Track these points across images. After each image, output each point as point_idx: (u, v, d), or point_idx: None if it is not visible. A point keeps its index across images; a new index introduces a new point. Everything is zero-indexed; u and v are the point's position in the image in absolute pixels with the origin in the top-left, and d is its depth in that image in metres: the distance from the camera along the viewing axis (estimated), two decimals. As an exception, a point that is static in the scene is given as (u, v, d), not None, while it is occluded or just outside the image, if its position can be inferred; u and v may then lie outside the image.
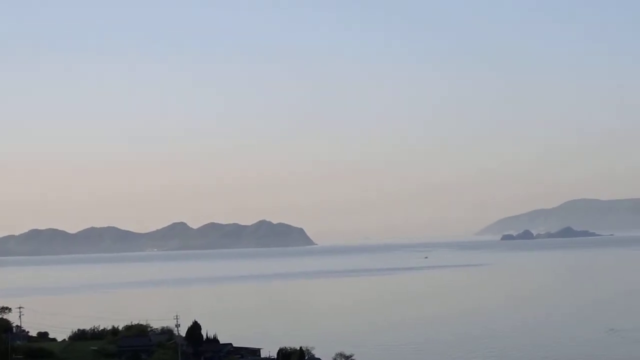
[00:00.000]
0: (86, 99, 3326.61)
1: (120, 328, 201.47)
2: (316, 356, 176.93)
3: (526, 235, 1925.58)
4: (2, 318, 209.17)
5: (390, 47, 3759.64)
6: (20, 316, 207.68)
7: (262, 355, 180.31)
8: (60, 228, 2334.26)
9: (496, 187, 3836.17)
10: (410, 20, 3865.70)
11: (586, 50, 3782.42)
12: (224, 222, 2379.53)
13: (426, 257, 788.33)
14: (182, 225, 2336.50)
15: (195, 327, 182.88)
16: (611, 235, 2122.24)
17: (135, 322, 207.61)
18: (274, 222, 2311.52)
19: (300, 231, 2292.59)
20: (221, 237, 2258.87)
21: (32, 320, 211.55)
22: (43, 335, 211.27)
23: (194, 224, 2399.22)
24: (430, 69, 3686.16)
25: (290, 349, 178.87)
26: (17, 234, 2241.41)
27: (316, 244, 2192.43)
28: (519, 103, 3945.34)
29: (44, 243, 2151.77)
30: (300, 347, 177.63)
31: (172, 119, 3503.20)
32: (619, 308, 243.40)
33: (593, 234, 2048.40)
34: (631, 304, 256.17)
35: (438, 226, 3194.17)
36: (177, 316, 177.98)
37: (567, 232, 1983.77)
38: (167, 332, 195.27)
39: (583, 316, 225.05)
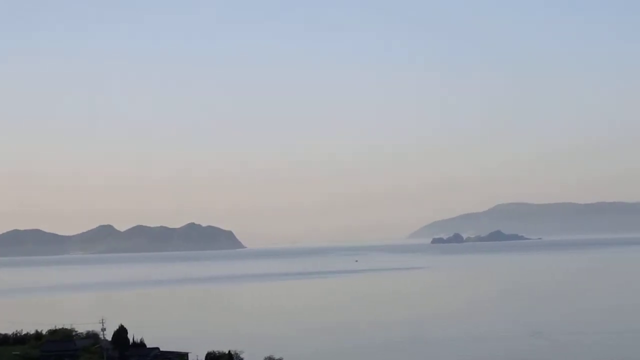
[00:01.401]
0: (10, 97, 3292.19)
1: (44, 332, 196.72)
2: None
3: (456, 238, 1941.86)
4: None
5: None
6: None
7: (190, 359, 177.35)
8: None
9: (427, 191, 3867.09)
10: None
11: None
12: (151, 225, 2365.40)
13: (356, 261, 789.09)
14: (109, 228, 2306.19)
15: (121, 331, 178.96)
16: (539, 239, 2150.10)
17: (59, 326, 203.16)
18: (203, 225, 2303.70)
19: (230, 234, 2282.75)
20: (149, 240, 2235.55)
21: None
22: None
23: (121, 227, 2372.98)
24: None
25: (219, 352, 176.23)
26: None
27: (245, 247, 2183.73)
28: (438, 110, 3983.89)
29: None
30: (229, 351, 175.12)
31: (102, 119, 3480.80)
32: (545, 311, 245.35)
33: (522, 238, 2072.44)
34: (556, 307, 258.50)
35: (369, 230, 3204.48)
36: (102, 320, 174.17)
37: (496, 236, 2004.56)
38: (92, 337, 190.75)
39: (510, 319, 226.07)
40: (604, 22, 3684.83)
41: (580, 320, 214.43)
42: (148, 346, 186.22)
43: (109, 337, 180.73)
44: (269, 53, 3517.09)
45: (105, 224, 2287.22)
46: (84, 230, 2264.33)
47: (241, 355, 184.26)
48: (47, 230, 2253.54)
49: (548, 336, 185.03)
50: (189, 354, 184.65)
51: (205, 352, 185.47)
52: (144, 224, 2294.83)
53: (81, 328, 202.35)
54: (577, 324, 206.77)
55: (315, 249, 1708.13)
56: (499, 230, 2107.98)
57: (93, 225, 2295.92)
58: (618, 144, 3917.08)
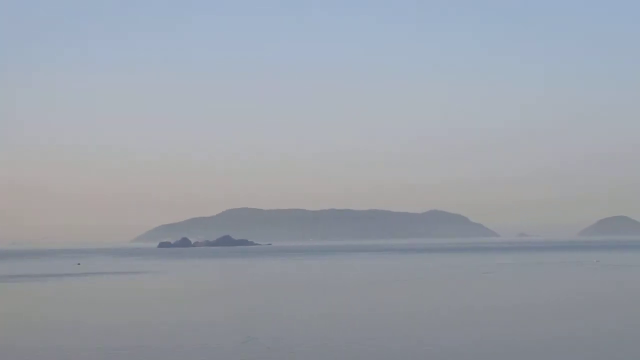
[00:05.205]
0: None
1: None
2: None
3: (184, 243, 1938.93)
4: None
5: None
6: None
7: None
8: None
9: (152, 194, 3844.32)
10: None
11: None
12: None
13: (79, 264, 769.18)
14: None
15: None
16: (269, 244, 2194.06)
17: None
18: None
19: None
20: None
21: None
22: None
23: None
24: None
25: None
26: None
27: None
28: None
29: None
30: None
31: None
32: (260, 316, 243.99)
33: (251, 243, 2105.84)
34: (272, 312, 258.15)
35: (91, 232, 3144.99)
36: None
37: (225, 241, 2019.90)
38: None
39: (223, 325, 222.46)
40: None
41: (293, 326, 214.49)
42: None
43: None
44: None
45: None
46: None
47: None
48: None
49: (260, 341, 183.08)
50: None
51: None
52: None
53: None
54: (291, 329, 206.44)
55: (31, 250, 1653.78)
56: (228, 236, 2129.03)
57: None
58: (354, 154, 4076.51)
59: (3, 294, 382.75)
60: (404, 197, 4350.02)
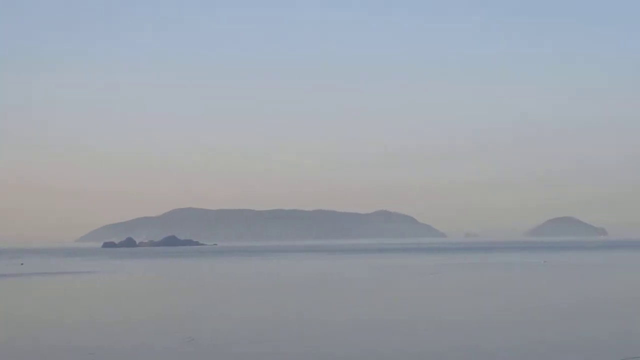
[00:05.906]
0: None
1: None
2: None
3: (129, 242, 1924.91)
4: None
5: None
6: None
7: None
8: None
9: (98, 192, 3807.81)
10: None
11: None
12: None
13: (22, 264, 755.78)
14: None
15: None
16: (215, 245, 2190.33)
17: None
18: None
19: None
20: None
21: None
22: None
23: None
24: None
25: None
26: None
27: None
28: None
29: None
30: None
31: None
32: (203, 316, 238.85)
33: (197, 243, 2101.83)
34: (213, 312, 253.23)
35: (33, 231, 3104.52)
36: None
37: (171, 241, 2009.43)
38: None
39: (165, 325, 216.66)
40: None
41: (236, 327, 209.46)
42: None
43: None
44: None
45: None
46: None
47: None
48: None
49: (201, 342, 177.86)
50: None
51: None
52: None
53: None
54: (233, 330, 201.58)
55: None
56: (173, 236, 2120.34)
57: None
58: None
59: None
60: (351, 197, 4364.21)
